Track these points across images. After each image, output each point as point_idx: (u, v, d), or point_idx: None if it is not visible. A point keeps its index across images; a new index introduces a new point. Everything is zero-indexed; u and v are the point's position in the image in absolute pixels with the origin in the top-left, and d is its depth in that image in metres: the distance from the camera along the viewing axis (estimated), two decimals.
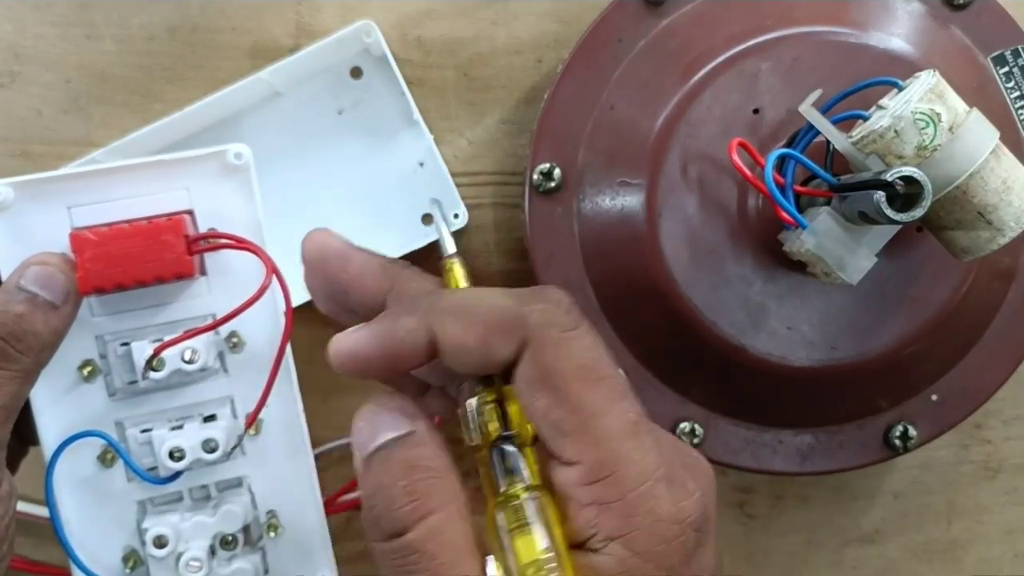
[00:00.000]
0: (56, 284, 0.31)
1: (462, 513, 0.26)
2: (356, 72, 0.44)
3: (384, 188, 0.44)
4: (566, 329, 0.27)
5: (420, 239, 0.43)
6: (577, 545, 0.26)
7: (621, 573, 0.25)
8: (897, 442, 0.42)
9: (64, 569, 0.34)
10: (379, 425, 0.27)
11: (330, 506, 0.44)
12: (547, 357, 0.26)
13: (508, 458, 0.27)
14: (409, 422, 0.27)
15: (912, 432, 0.42)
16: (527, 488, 0.27)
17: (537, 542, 0.26)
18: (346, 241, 0.31)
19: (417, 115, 0.43)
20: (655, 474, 0.26)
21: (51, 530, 0.33)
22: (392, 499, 0.26)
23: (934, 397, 0.42)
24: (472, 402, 0.28)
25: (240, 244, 0.33)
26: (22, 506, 0.41)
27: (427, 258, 0.44)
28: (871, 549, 0.48)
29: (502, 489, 0.27)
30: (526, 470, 0.27)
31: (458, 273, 0.32)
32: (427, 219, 0.44)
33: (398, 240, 0.43)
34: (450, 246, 0.32)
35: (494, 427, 0.27)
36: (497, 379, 0.28)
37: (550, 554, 0.25)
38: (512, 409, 0.28)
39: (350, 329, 0.28)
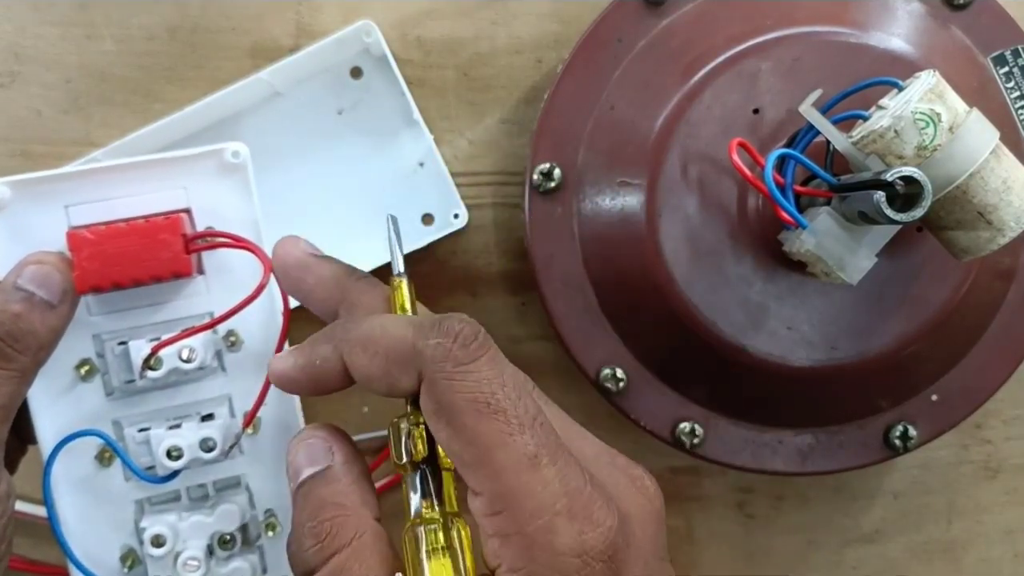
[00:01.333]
0: (53, 283, 0.31)
1: (371, 546, 0.27)
2: (356, 72, 0.44)
3: (384, 188, 0.44)
4: (459, 363, 0.27)
5: (420, 239, 0.43)
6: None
7: None
8: (897, 442, 0.42)
9: (63, 569, 0.34)
10: (302, 460, 0.29)
11: None
12: (440, 391, 0.27)
13: (429, 481, 0.27)
14: (326, 455, 0.29)
15: (912, 432, 0.42)
16: (444, 513, 0.27)
17: (448, 566, 0.26)
18: (310, 250, 0.32)
19: (417, 115, 0.43)
20: (554, 507, 0.26)
21: (50, 530, 0.33)
22: (301, 541, 0.27)
23: (934, 397, 0.42)
24: (401, 422, 0.28)
25: (238, 243, 0.33)
26: (21, 506, 0.41)
27: (426, 259, 0.44)
28: (871, 549, 0.48)
29: (420, 511, 0.27)
30: (440, 494, 0.28)
31: (403, 293, 0.31)
32: (427, 219, 0.44)
33: None
34: (399, 265, 0.32)
35: (420, 449, 0.28)
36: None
37: (455, 570, 0.26)
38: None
39: (282, 352, 0.30)
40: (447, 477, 0.28)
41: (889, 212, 0.30)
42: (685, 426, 0.41)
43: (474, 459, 0.26)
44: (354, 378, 0.29)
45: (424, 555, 0.26)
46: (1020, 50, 0.40)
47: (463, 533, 0.27)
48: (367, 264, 0.42)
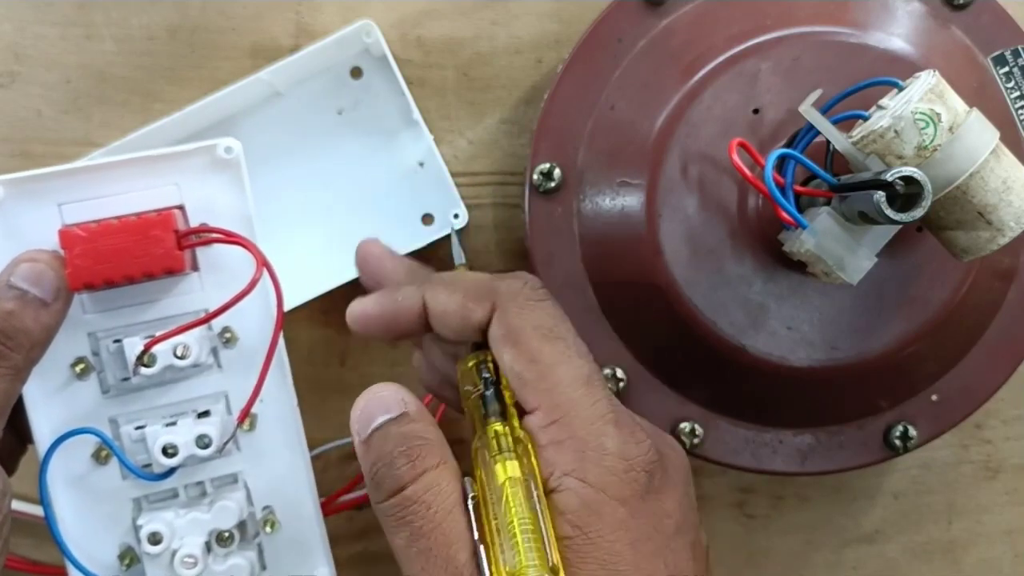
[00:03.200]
0: (46, 281, 0.31)
1: (453, 474, 0.29)
2: (356, 72, 0.44)
3: (384, 188, 0.44)
4: (529, 299, 0.31)
5: (420, 239, 0.43)
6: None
7: (579, 505, 0.28)
8: (897, 442, 0.42)
9: (64, 569, 0.34)
10: (374, 410, 0.31)
11: (331, 506, 0.44)
12: (510, 317, 0.31)
13: (493, 402, 0.31)
14: (401, 404, 0.30)
15: (912, 432, 0.42)
16: (506, 425, 0.30)
17: (512, 465, 0.29)
18: (386, 248, 0.38)
19: (417, 115, 0.43)
20: (604, 417, 0.29)
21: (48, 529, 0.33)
22: (392, 462, 0.29)
23: (934, 397, 0.42)
24: (465, 361, 0.32)
25: (230, 238, 0.33)
26: (20, 505, 0.41)
27: (426, 259, 0.44)
28: (871, 549, 0.48)
29: (489, 423, 0.31)
30: (506, 415, 0.31)
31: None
32: (427, 219, 0.44)
33: (398, 240, 0.43)
34: (459, 256, 0.37)
35: (484, 379, 0.32)
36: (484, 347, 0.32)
37: (521, 473, 0.28)
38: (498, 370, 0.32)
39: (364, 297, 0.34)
40: (509, 399, 0.31)
41: (889, 212, 0.30)
42: (685, 426, 0.41)
43: (535, 375, 0.30)
44: (431, 315, 0.33)
45: (491, 459, 0.29)
46: (1020, 50, 0.40)
47: (528, 444, 0.30)
48: None
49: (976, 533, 0.48)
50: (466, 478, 0.29)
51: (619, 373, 0.41)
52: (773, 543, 0.48)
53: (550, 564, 0.27)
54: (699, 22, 0.41)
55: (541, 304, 0.31)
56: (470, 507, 0.29)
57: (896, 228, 0.34)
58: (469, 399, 0.32)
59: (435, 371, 0.37)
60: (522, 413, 0.31)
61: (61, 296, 0.31)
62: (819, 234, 0.34)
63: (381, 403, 0.31)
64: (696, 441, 0.41)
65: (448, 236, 0.43)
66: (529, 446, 0.30)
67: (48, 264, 0.31)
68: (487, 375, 0.32)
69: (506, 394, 0.32)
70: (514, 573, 0.26)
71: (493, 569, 0.27)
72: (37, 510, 0.41)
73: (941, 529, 0.48)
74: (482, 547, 0.28)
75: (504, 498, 0.28)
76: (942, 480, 0.48)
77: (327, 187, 0.44)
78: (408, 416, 0.30)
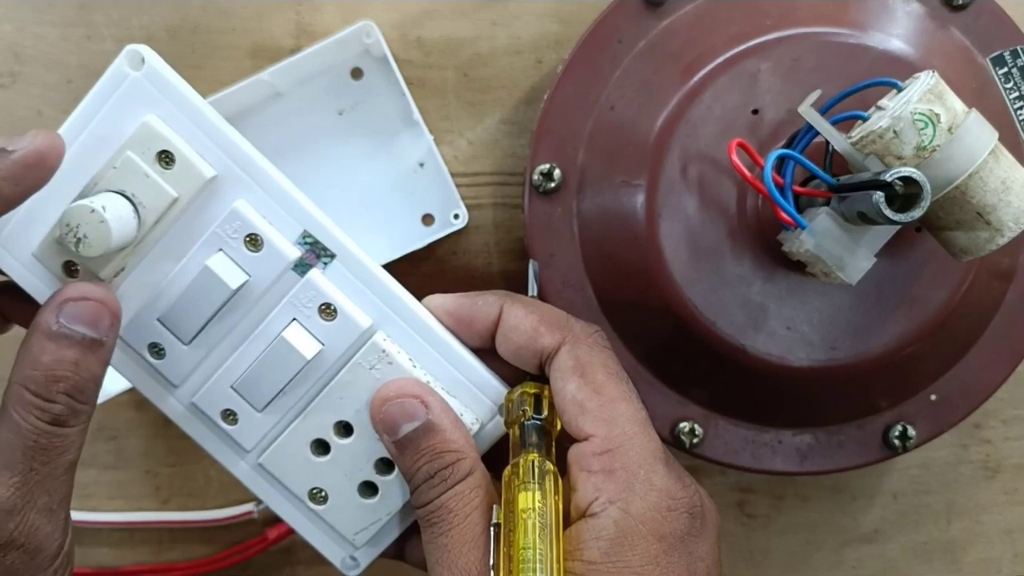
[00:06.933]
0: (103, 322, 0.29)
1: (478, 481, 0.32)
2: (356, 73, 0.44)
3: (384, 188, 0.44)
4: (599, 343, 0.33)
5: (419, 240, 0.43)
6: (581, 514, 0.30)
7: (615, 533, 0.29)
8: (896, 442, 0.42)
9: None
10: (397, 417, 0.32)
11: None
12: (581, 352, 0.32)
13: (531, 433, 0.32)
14: (422, 411, 0.32)
15: (911, 432, 0.42)
16: (540, 457, 0.31)
17: (536, 496, 0.30)
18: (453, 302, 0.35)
19: (417, 115, 0.43)
20: (656, 456, 0.31)
21: None
22: (430, 480, 0.32)
23: (933, 397, 0.42)
24: (516, 389, 0.34)
25: None
26: None
27: (426, 259, 0.44)
28: (871, 549, 0.48)
29: (525, 453, 0.32)
30: (543, 448, 0.32)
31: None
32: (427, 219, 0.44)
33: (398, 241, 0.43)
34: (533, 290, 0.38)
35: (527, 410, 0.33)
36: (538, 381, 0.34)
37: (543, 504, 0.30)
38: (546, 405, 0.33)
39: (443, 294, 0.35)
40: (548, 442, 0.33)
41: (888, 212, 0.30)
42: (685, 426, 0.41)
43: (597, 405, 0.31)
44: (502, 327, 0.33)
45: (515, 488, 0.30)
46: (1019, 51, 0.41)
47: (557, 478, 0.31)
48: None
49: (975, 533, 0.48)
50: (495, 506, 0.31)
51: None
52: (773, 543, 0.48)
53: None
54: (699, 22, 0.41)
55: (608, 351, 0.33)
56: (491, 532, 0.30)
57: (895, 228, 0.34)
58: (511, 425, 0.33)
59: None
60: (569, 444, 0.32)
61: (114, 331, 0.30)
62: (818, 234, 0.34)
63: (403, 411, 0.32)
64: (696, 441, 0.41)
65: (448, 236, 0.43)
66: (559, 483, 0.31)
67: (102, 301, 0.29)
68: (525, 407, 0.33)
69: (545, 418, 0.33)
70: None
71: None
72: None
73: (940, 529, 0.48)
74: (492, 572, 0.29)
75: (520, 527, 0.29)
76: (941, 480, 0.48)
77: (327, 187, 0.44)
78: (433, 427, 0.32)
